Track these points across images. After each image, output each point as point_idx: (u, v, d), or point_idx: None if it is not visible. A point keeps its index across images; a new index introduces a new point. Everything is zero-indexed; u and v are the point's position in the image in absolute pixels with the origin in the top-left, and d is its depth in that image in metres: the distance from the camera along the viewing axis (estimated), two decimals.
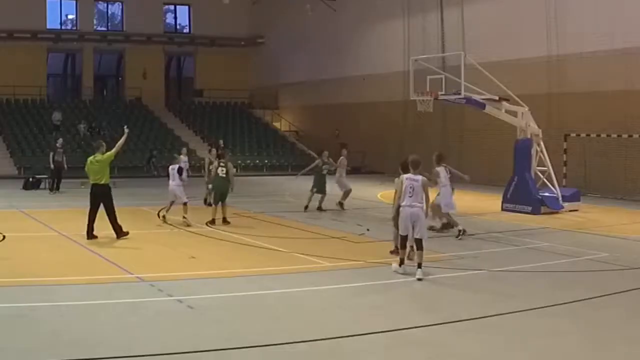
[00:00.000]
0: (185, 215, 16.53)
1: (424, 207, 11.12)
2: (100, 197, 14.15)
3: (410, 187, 10.91)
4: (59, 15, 42.98)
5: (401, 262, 11.22)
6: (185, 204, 16.64)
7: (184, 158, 22.69)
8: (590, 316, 9.08)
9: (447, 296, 10.08)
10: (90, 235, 14.05)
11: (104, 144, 14.80)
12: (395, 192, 11.71)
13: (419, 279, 10.70)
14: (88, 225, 14.09)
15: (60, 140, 27.06)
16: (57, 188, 24.40)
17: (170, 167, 17.28)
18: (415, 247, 11.22)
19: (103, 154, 14.32)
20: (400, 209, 11.04)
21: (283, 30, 42.44)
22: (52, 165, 24.45)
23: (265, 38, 44.74)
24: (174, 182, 16.86)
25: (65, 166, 25.06)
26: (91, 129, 37.52)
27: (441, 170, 15.17)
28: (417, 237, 11.01)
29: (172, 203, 16.83)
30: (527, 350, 7.57)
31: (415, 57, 22.46)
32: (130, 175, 31.41)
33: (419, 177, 10.98)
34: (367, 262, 12.16)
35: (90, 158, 14.38)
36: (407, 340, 7.91)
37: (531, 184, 19.63)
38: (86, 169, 14.45)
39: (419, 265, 10.85)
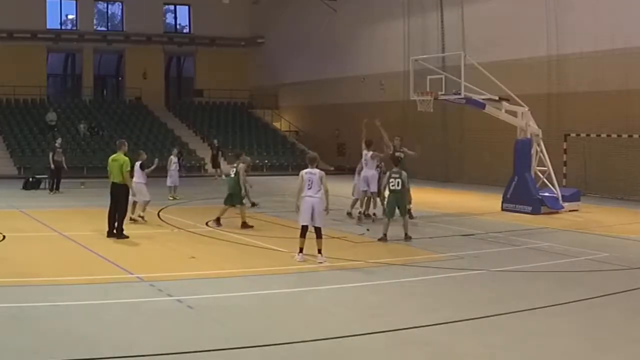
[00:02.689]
0: (141, 214, 16.71)
1: (323, 198, 12.12)
2: (116, 196, 14.35)
3: (309, 180, 12.07)
4: (59, 15, 42.96)
5: (300, 251, 12.11)
6: (147, 202, 16.82)
7: (174, 159, 22.60)
8: (590, 316, 9.08)
9: (447, 296, 10.08)
10: (111, 233, 14.19)
11: (125, 142, 15.02)
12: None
13: (320, 263, 11.79)
14: (108, 223, 14.29)
15: (60, 140, 27.06)
16: (57, 188, 24.40)
17: (136, 162, 17.05)
18: (316, 234, 12.08)
19: (125, 153, 14.56)
20: (302, 200, 12.08)
21: (283, 30, 42.43)
22: (51, 165, 24.43)
23: (265, 38, 44.73)
24: (136, 180, 16.58)
25: (65, 166, 25.06)
26: (91, 129, 37.52)
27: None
28: (316, 225, 12.01)
29: (145, 202, 16.84)
30: (527, 350, 7.57)
31: (415, 57, 22.43)
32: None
33: (316, 171, 12.18)
34: (367, 262, 12.17)
35: (113, 156, 14.59)
36: (407, 340, 7.91)
37: (531, 184, 19.63)
38: (108, 167, 14.66)
39: (319, 251, 11.96)
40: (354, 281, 10.75)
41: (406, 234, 14.52)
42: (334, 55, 38.41)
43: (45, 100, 41.04)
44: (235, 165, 16.70)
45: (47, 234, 14.92)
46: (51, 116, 36.82)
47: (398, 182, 14.32)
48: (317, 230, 12.03)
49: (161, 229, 15.99)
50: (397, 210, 14.56)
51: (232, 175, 16.51)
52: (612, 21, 24.33)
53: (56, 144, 25.70)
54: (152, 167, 17.94)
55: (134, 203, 16.54)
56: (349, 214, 17.77)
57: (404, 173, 14.49)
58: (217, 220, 16.16)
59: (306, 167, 12.30)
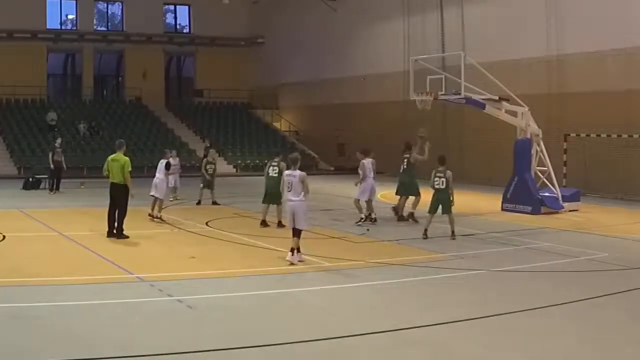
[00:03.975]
0: (159, 214, 16.92)
1: (304, 200, 11.84)
2: (116, 196, 14.38)
3: (289, 182, 11.81)
4: (59, 15, 42.93)
5: (292, 251, 11.89)
6: (162, 200, 17.00)
7: (172, 161, 22.39)
8: (590, 316, 9.08)
9: (447, 296, 10.08)
10: (111, 233, 14.23)
11: (124, 142, 15.05)
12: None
13: (289, 262, 11.64)
14: (108, 223, 14.31)
15: (59, 140, 27.04)
16: (57, 188, 24.37)
17: (160, 160, 17.53)
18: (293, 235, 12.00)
19: (125, 153, 14.62)
20: (285, 203, 12.05)
21: (283, 30, 42.42)
22: (51, 165, 24.42)
23: (265, 38, 44.71)
24: (159, 176, 17.05)
25: (65, 166, 25.05)
26: (91, 129, 37.52)
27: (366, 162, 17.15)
28: (297, 227, 11.81)
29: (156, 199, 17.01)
30: (527, 350, 7.57)
31: (415, 57, 22.43)
32: (131, 175, 31.33)
33: (297, 173, 11.83)
34: (367, 262, 12.16)
35: (112, 156, 14.58)
36: (407, 340, 7.91)
37: (531, 184, 19.62)
38: (107, 166, 14.62)
39: (292, 250, 11.78)
40: (353, 281, 10.75)
41: (452, 232, 14.82)
42: (334, 55, 38.40)
43: (45, 100, 41.05)
44: (275, 164, 16.41)
45: (47, 234, 14.92)
46: (52, 116, 36.83)
47: (442, 181, 14.74)
48: (295, 231, 11.86)
49: (161, 229, 15.98)
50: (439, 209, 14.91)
51: (275, 175, 16.09)
52: (612, 21, 24.32)
53: (56, 144, 25.67)
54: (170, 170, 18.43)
55: (155, 200, 16.88)
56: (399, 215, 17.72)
57: (448, 172, 14.83)
58: (264, 222, 16.23)
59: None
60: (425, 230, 14.79)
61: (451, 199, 14.76)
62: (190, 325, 8.26)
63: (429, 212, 14.92)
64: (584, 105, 25.37)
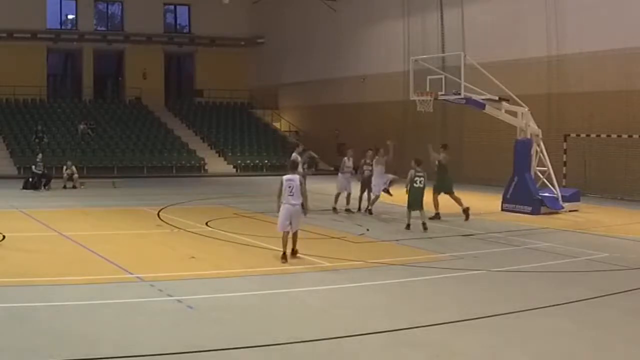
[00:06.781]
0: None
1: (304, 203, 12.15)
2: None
3: (289, 187, 11.95)
4: (59, 15, 42.93)
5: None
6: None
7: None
8: (590, 316, 9.08)
9: (447, 296, 10.08)
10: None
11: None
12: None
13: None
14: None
15: (40, 155, 27.59)
16: (46, 185, 25.28)
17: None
18: None
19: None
20: (282, 206, 12.06)
21: (283, 30, 42.43)
22: (34, 174, 25.61)
23: (265, 38, 44.72)
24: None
25: (45, 171, 26.03)
26: (91, 127, 37.52)
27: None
28: (293, 230, 12.12)
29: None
30: (527, 350, 7.57)
31: (415, 57, 22.43)
32: (131, 175, 31.46)
33: (296, 177, 12.09)
34: (367, 262, 12.17)
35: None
36: (407, 340, 7.91)
37: (531, 184, 19.62)
38: None
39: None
40: (354, 281, 10.75)
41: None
42: (334, 56, 38.41)
43: (45, 100, 41.07)
44: (421, 173, 16.18)
45: (47, 234, 14.92)
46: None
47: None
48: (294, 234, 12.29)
49: (161, 229, 15.98)
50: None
51: (420, 185, 16.14)
52: (612, 21, 24.32)
53: (37, 159, 26.44)
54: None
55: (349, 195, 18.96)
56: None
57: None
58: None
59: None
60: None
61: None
62: (190, 325, 8.27)
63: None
64: (584, 105, 25.36)
